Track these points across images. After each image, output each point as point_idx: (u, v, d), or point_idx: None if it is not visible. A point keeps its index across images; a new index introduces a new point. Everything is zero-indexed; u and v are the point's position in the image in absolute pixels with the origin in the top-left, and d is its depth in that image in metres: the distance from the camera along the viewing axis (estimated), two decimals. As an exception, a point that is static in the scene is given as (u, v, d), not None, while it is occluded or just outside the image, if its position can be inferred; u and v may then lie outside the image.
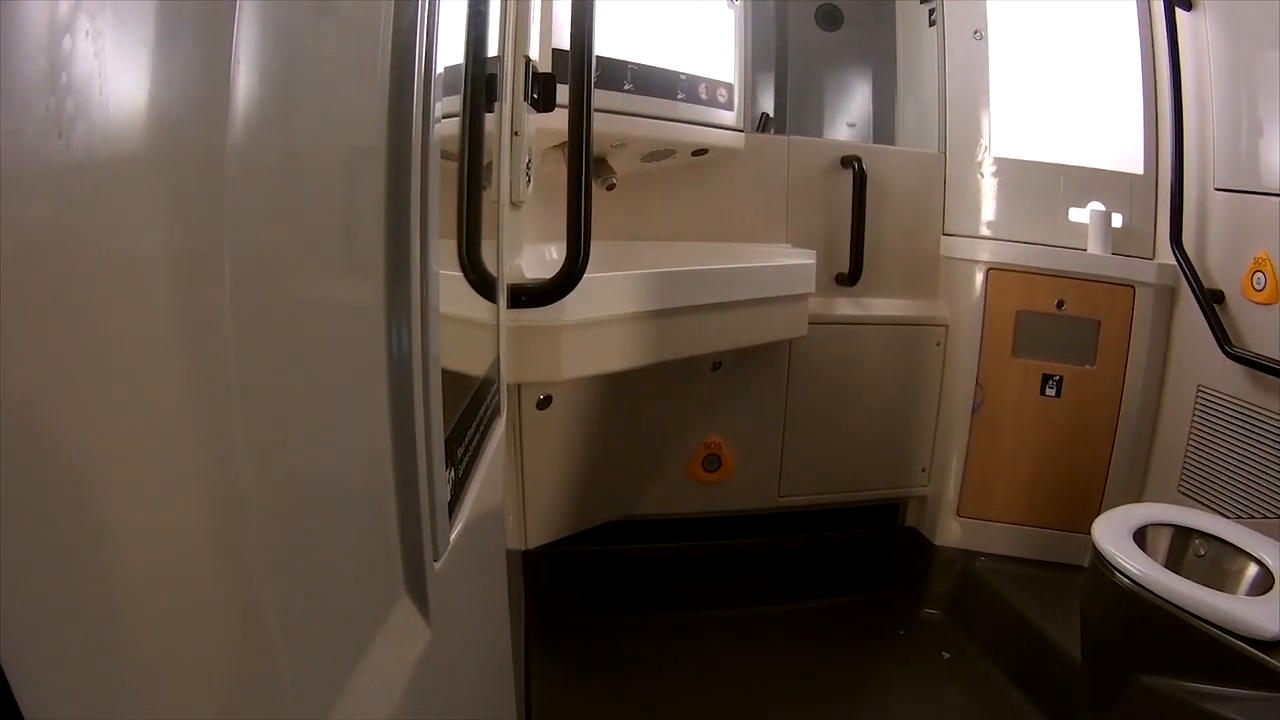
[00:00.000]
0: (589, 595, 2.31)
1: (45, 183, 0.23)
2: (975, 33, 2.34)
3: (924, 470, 2.49)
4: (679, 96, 1.92)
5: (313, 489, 0.44)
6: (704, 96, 1.99)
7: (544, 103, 1.32)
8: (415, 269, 0.52)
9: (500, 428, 0.95)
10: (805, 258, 2.07)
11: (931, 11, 2.45)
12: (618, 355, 1.56)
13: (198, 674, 0.33)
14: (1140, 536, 1.68)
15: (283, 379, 0.40)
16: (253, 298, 0.36)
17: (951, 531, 2.42)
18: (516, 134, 1.19)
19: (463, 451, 0.70)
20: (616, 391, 1.88)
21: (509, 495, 1.29)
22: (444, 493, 0.59)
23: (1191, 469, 2.08)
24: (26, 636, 0.23)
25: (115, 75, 0.25)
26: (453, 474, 0.64)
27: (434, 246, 0.55)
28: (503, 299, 1.02)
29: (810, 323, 2.13)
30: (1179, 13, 2.08)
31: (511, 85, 1.13)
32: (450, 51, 0.84)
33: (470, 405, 0.78)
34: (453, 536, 0.62)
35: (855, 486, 2.46)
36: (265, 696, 0.38)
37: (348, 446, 0.48)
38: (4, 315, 0.21)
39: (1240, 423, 1.93)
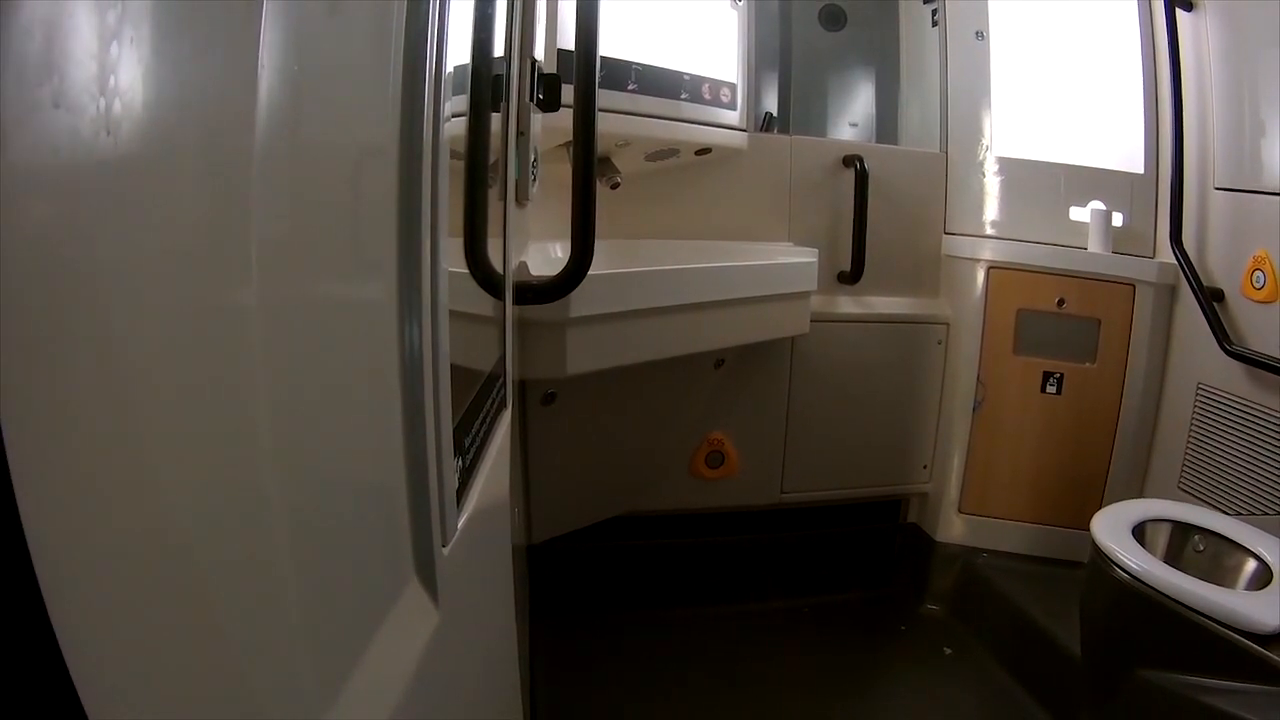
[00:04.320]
0: (593, 590, 2.32)
1: (98, 179, 0.25)
2: (977, 33, 2.35)
3: (925, 467, 2.50)
4: (683, 96, 1.94)
5: (328, 476, 0.46)
6: (707, 96, 2.00)
7: (549, 103, 1.34)
8: (426, 266, 0.53)
9: (506, 421, 0.97)
10: (807, 256, 2.09)
11: (934, 12, 2.46)
12: (622, 352, 1.57)
13: (213, 652, 0.35)
14: (1139, 532, 1.69)
15: (301, 371, 0.41)
16: (274, 293, 0.37)
17: (953, 528, 2.43)
18: (522, 134, 1.21)
19: (470, 441, 0.72)
20: (620, 388, 1.89)
21: (514, 490, 1.31)
22: (452, 480, 0.61)
23: (1191, 466, 2.09)
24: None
25: (156, 79, 0.27)
26: (460, 463, 0.66)
27: (444, 244, 0.57)
28: (509, 295, 1.03)
29: (812, 320, 2.14)
30: (1179, 13, 2.08)
31: (517, 86, 1.15)
32: (458, 53, 0.86)
33: (477, 398, 0.79)
34: (460, 524, 0.64)
35: (857, 483, 2.48)
36: (279, 674, 0.40)
37: (361, 435, 0.50)
38: (36, 306, 0.23)
39: (1240, 420, 1.94)
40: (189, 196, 0.31)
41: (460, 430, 0.67)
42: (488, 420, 0.83)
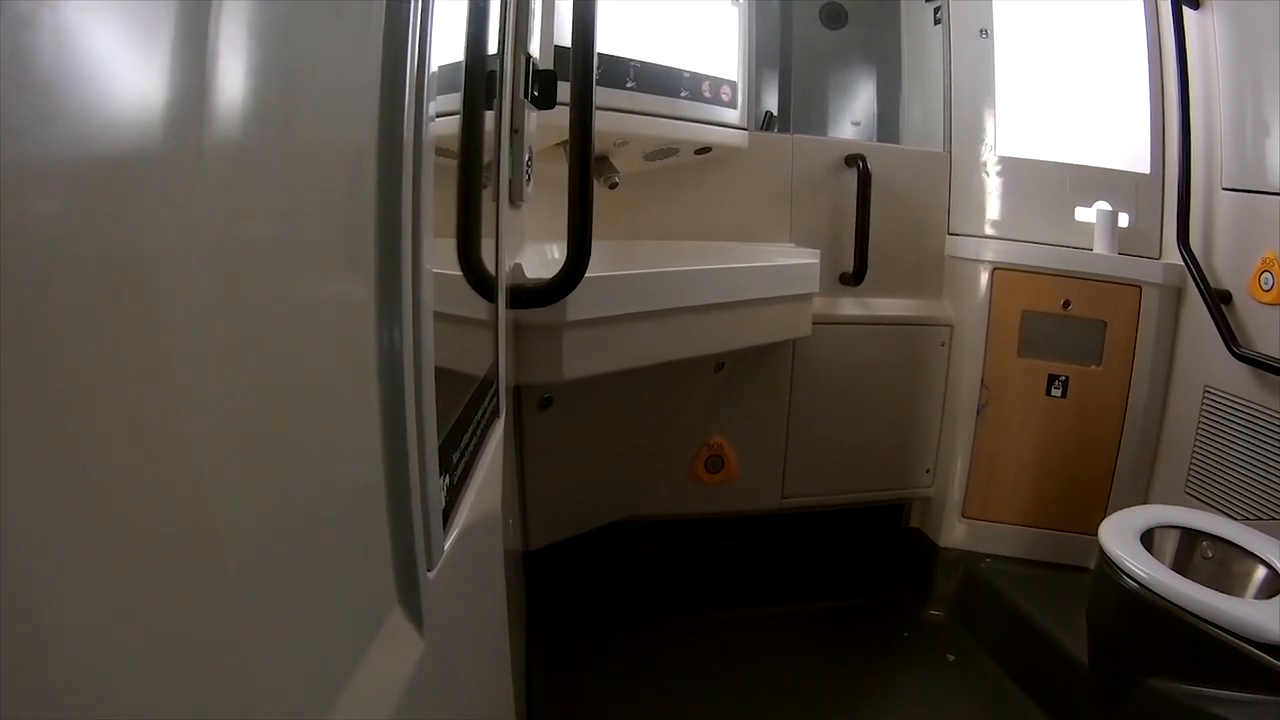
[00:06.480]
0: (591, 596, 2.30)
1: (38, 183, 0.23)
2: (981, 31, 2.33)
3: (928, 471, 2.47)
4: (682, 94, 1.91)
5: (298, 498, 0.42)
6: (707, 95, 1.97)
7: (544, 100, 1.30)
8: (407, 269, 0.50)
9: (499, 430, 0.93)
10: (809, 257, 2.05)
11: (937, 10, 2.44)
12: (620, 356, 1.54)
13: (179, 694, 0.32)
14: (1147, 539, 1.66)
15: (268, 383, 0.38)
16: (237, 300, 0.34)
17: (956, 533, 2.40)
18: (516, 132, 1.17)
19: (458, 456, 0.68)
20: (618, 392, 1.86)
21: (511, 497, 1.28)
22: (438, 500, 0.57)
23: (1198, 470, 2.06)
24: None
25: (101, 75, 0.25)
26: (447, 480, 0.62)
27: (428, 245, 0.54)
28: (502, 299, 1.00)
29: (814, 322, 2.11)
30: (1186, 11, 2.06)
31: (511, 82, 1.11)
32: (451, 49, 0.83)
33: (468, 408, 0.76)
34: (447, 545, 0.60)
35: (859, 488, 2.45)
36: (252, 716, 0.37)
37: (335, 454, 0.46)
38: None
39: (1247, 424, 1.92)
40: (138, 196, 0.28)
41: (447, 446, 0.63)
42: (479, 431, 0.80)
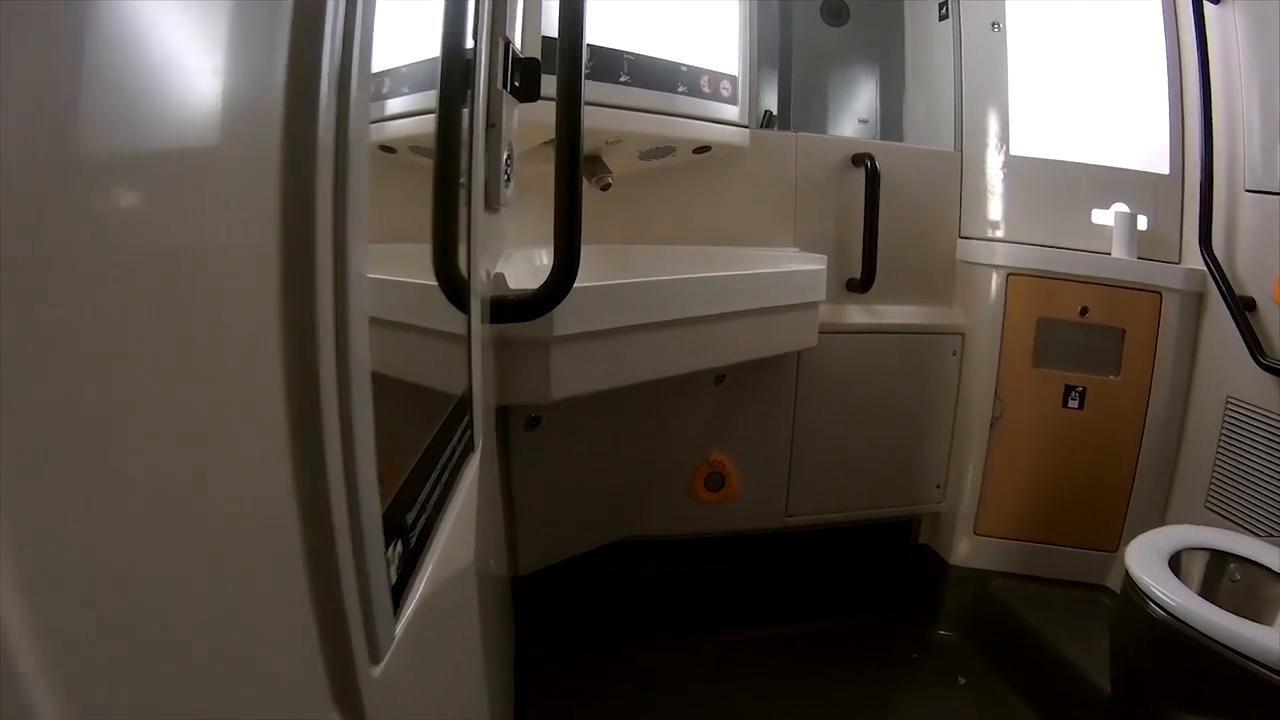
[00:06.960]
0: (588, 619, 2.22)
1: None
2: (993, 25, 2.24)
3: (939, 486, 2.38)
4: (679, 90, 1.81)
5: (175, 587, 0.32)
6: (706, 90, 1.88)
7: (525, 91, 1.18)
8: (326, 287, 0.39)
9: (475, 465, 0.82)
10: (816, 263, 1.96)
11: (942, 5, 2.35)
12: (613, 372, 1.44)
13: None
14: (1174, 562, 1.58)
15: (134, 426, 0.28)
16: (107, 319, 0.26)
17: (967, 550, 2.32)
18: (493, 127, 1.06)
19: (416, 514, 0.57)
20: (612, 408, 1.77)
21: (496, 523, 1.18)
22: (383, 578, 0.46)
23: (1220, 484, 1.99)
24: None
25: None
26: (399, 548, 0.51)
27: (358, 258, 0.42)
28: (477, 314, 0.89)
29: (820, 332, 2.01)
30: (1207, 5, 1.99)
31: (487, 71, 1.00)
32: (430, 41, 0.74)
33: (430, 451, 0.65)
34: (400, 629, 0.49)
35: (866, 504, 2.36)
36: None
37: (227, 530, 0.35)
38: None
39: (1272, 436, 1.84)
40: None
41: (399, 508, 0.53)
42: (446, 475, 0.69)
